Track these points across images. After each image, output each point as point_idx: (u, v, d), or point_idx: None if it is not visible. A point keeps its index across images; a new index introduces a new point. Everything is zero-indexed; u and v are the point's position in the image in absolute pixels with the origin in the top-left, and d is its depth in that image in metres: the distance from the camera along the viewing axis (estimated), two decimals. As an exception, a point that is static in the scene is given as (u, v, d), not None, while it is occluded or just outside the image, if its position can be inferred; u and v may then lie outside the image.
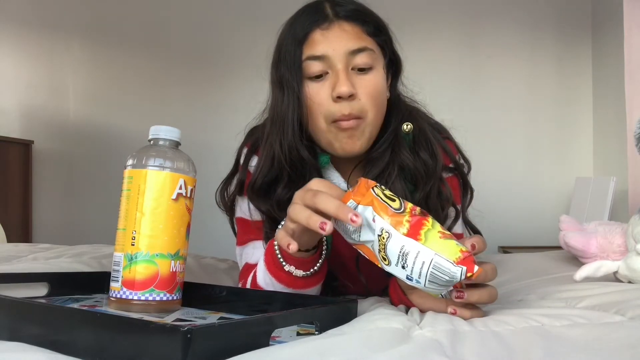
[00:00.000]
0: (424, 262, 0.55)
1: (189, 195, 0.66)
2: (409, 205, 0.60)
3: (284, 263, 0.72)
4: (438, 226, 0.58)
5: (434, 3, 2.66)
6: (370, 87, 0.80)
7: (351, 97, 0.78)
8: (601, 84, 2.42)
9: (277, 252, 0.73)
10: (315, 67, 0.80)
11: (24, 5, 2.98)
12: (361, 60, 0.80)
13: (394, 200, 0.60)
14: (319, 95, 0.80)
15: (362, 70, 0.80)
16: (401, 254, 0.56)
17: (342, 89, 0.77)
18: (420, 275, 0.56)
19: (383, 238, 0.58)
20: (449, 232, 0.58)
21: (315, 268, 0.73)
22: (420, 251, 0.55)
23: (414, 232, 0.56)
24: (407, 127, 0.84)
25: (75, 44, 2.96)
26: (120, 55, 2.93)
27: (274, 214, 0.83)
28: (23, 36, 2.97)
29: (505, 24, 2.60)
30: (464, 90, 2.61)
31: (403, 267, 0.57)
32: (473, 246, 0.58)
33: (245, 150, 0.92)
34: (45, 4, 2.98)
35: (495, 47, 2.61)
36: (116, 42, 2.94)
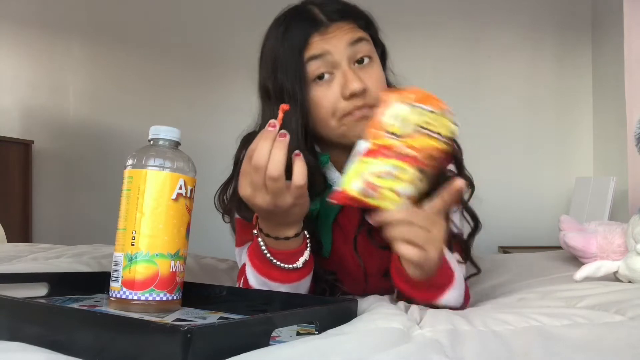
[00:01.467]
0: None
1: (188, 195, 0.66)
2: (410, 142, 0.61)
3: (272, 259, 0.73)
4: (375, 169, 0.62)
5: (434, 3, 2.66)
6: (377, 77, 0.81)
7: (363, 91, 0.78)
8: (601, 84, 2.42)
9: (264, 250, 0.73)
10: (318, 68, 0.79)
11: (24, 5, 2.98)
12: (361, 49, 0.80)
13: (394, 125, 0.62)
14: (326, 97, 0.79)
15: (362, 62, 0.81)
16: (354, 153, 0.65)
17: (355, 86, 0.77)
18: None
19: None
20: (371, 178, 0.62)
21: (305, 257, 0.74)
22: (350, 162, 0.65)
23: (369, 153, 0.63)
24: None
25: (75, 44, 2.96)
26: (120, 55, 2.93)
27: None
28: (23, 36, 2.97)
29: (505, 24, 2.60)
30: (464, 90, 2.61)
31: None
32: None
33: (244, 152, 0.92)
34: (45, 4, 2.98)
35: (495, 47, 2.61)
36: (116, 42, 2.94)
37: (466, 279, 0.86)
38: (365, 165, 0.62)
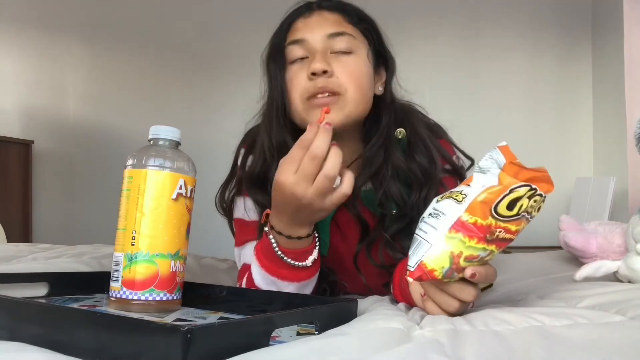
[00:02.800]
0: (427, 233, 0.57)
1: (189, 195, 0.66)
2: (511, 226, 0.55)
3: (283, 256, 0.73)
4: (468, 252, 0.55)
5: (435, 4, 2.66)
6: (350, 66, 0.81)
7: (326, 73, 0.79)
8: (601, 84, 2.42)
9: (276, 248, 0.74)
10: (295, 51, 0.82)
11: (24, 5, 2.98)
12: (340, 44, 0.82)
13: (510, 210, 0.54)
14: (297, 76, 0.81)
15: (341, 53, 0.82)
16: (439, 212, 0.57)
17: (315, 65, 0.78)
18: (420, 229, 0.58)
19: (458, 196, 0.57)
20: (462, 264, 0.55)
21: (314, 257, 0.75)
22: (437, 231, 0.56)
23: (459, 227, 0.55)
24: (399, 134, 0.84)
25: (75, 44, 2.96)
26: (120, 55, 2.93)
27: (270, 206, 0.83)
28: (23, 36, 2.97)
29: (506, 25, 2.60)
30: (464, 90, 2.61)
31: (429, 214, 0.58)
32: (473, 275, 0.56)
33: (242, 151, 0.92)
34: (46, 3, 2.98)
35: (495, 47, 2.61)
36: (116, 42, 2.94)
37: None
38: (460, 246, 0.55)
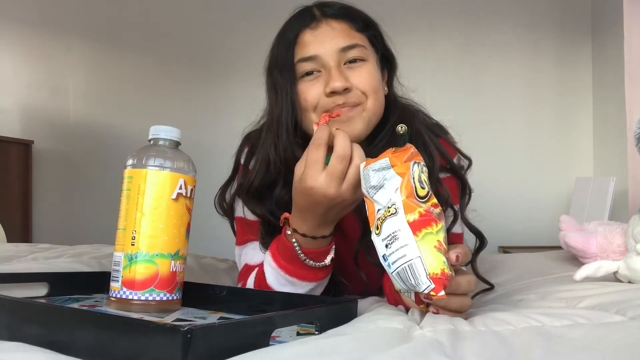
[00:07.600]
0: (405, 255, 0.55)
1: (189, 195, 0.66)
2: (433, 201, 0.59)
3: (305, 259, 0.74)
4: (441, 235, 0.56)
5: (434, 3, 2.66)
6: (365, 76, 0.81)
7: (346, 90, 0.79)
8: (601, 84, 2.42)
9: (299, 250, 0.74)
10: (306, 67, 0.81)
11: (25, 5, 2.98)
12: (352, 55, 0.81)
13: (423, 188, 0.59)
14: (311, 92, 0.80)
15: (354, 62, 0.81)
16: (392, 235, 0.57)
17: (336, 84, 0.78)
18: (394, 263, 0.56)
19: (389, 211, 0.58)
20: (445, 247, 0.56)
21: (332, 256, 0.76)
22: (409, 245, 0.55)
23: (416, 226, 0.56)
24: (401, 129, 0.84)
25: (75, 44, 2.96)
26: (120, 55, 2.93)
27: (269, 218, 0.84)
28: (23, 36, 2.97)
29: (506, 24, 2.60)
30: (464, 90, 2.61)
31: (386, 246, 0.57)
32: (457, 257, 0.58)
33: (246, 150, 0.92)
34: (46, 4, 2.98)
35: (495, 47, 2.60)
36: (116, 42, 2.94)
37: (475, 295, 0.87)
38: (432, 237, 0.56)
